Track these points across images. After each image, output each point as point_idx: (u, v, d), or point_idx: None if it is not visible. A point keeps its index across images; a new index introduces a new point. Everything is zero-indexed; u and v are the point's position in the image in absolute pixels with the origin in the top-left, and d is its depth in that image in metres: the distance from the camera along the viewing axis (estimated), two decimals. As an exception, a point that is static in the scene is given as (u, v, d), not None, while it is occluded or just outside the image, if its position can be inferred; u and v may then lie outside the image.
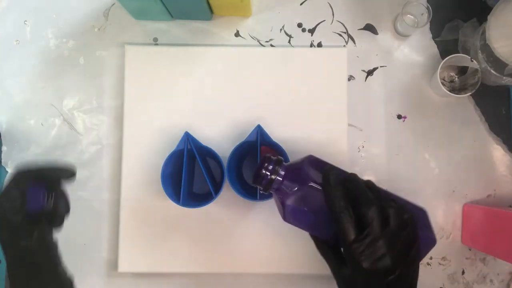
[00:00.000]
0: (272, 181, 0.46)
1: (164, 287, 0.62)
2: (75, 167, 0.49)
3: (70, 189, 0.62)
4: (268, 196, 0.54)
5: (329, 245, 0.46)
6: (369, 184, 0.45)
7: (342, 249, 0.43)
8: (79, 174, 0.62)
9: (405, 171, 0.64)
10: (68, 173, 0.49)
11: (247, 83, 0.62)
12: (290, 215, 0.47)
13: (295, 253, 0.61)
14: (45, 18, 0.65)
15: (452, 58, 0.59)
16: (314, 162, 0.48)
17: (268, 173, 0.46)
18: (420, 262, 0.62)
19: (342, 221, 0.41)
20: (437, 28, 0.65)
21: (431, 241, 0.47)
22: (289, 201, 0.46)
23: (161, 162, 0.55)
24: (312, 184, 0.45)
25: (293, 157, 0.59)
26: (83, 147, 0.63)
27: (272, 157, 0.48)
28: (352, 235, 0.40)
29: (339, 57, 0.63)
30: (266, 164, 0.46)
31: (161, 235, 0.61)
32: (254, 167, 0.54)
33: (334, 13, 0.65)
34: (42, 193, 0.46)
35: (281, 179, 0.46)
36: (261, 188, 0.47)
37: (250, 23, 0.65)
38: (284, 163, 0.48)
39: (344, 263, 0.42)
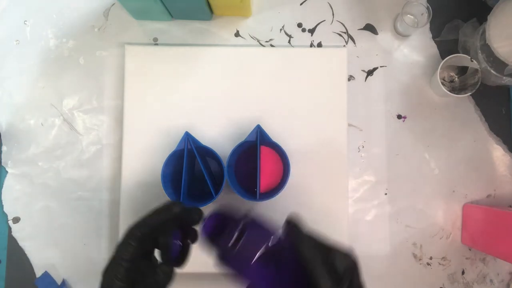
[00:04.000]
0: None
1: (164, 287, 0.62)
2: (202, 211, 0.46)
3: (71, 189, 0.63)
4: (268, 196, 0.55)
5: None
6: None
7: None
8: (79, 174, 0.63)
9: (405, 171, 0.64)
10: (199, 216, 0.45)
11: (247, 83, 0.62)
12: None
13: (295, 253, 0.60)
14: (45, 18, 0.65)
15: (452, 58, 0.59)
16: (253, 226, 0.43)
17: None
18: (420, 263, 0.62)
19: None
20: (437, 28, 0.65)
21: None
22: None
23: (161, 162, 0.55)
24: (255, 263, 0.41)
25: (293, 157, 0.59)
26: (83, 147, 0.64)
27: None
28: None
29: (339, 57, 0.63)
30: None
31: (161, 235, 0.61)
32: (254, 167, 0.54)
33: (334, 13, 0.65)
34: (176, 245, 0.45)
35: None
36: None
37: (250, 23, 0.65)
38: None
39: None
